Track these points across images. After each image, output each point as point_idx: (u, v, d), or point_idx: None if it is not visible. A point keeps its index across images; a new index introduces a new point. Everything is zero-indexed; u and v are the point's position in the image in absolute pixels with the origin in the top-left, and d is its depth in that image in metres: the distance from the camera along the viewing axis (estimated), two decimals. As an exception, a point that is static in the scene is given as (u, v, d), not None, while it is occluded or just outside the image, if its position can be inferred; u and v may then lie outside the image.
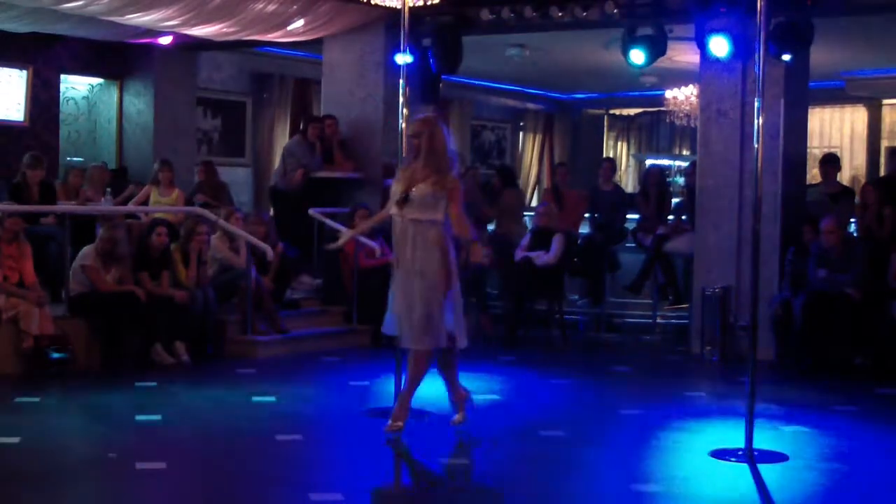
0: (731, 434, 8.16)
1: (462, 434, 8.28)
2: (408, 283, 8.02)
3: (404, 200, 7.96)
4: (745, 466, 7.59)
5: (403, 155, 9.00)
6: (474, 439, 8.25)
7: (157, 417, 8.88)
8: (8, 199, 12.34)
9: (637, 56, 12.58)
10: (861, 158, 21.52)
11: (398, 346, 8.45)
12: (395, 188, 8.10)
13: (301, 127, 15.56)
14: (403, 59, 9.41)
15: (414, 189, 7.93)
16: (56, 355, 10.54)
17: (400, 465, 7.82)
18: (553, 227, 13.41)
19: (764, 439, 7.97)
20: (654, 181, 14.75)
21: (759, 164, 8.02)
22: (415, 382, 8.18)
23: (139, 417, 8.81)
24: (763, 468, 7.53)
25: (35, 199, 12.50)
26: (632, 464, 7.80)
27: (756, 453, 7.71)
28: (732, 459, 7.70)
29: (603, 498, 7.01)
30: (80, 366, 10.78)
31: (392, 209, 8.12)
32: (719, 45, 12.04)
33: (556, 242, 13.16)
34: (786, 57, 11.51)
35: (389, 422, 8.10)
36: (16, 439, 8.01)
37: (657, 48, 12.55)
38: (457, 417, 8.39)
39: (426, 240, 7.96)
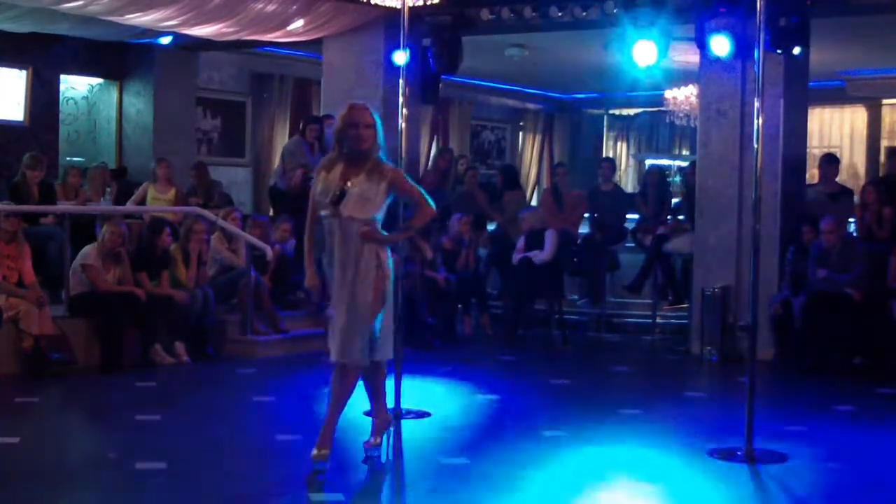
0: (730, 434, 8.16)
1: (372, 459, 7.49)
2: (342, 290, 7.08)
3: (341, 197, 7.07)
4: (744, 466, 7.60)
5: (402, 150, 8.98)
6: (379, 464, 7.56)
7: (157, 417, 8.88)
8: (7, 198, 12.34)
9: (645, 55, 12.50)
10: (861, 158, 21.53)
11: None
12: (325, 185, 7.16)
13: (300, 127, 15.56)
14: (401, 58, 9.41)
15: (350, 183, 7.09)
16: (56, 355, 10.54)
17: (398, 465, 7.82)
18: (544, 226, 13.43)
19: (764, 439, 7.97)
20: (654, 181, 14.75)
21: (759, 164, 8.02)
22: (340, 403, 7.19)
23: (139, 417, 8.81)
24: (763, 468, 7.54)
25: (35, 198, 12.50)
26: (631, 463, 7.80)
27: (756, 453, 7.71)
28: (732, 459, 7.70)
29: (603, 497, 7.01)
30: (80, 366, 10.78)
31: (323, 210, 7.17)
32: (721, 45, 12.03)
33: (549, 238, 13.18)
34: (796, 50, 11.47)
35: (315, 450, 7.08)
36: (15, 439, 8.01)
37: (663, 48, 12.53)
38: (373, 440, 7.49)
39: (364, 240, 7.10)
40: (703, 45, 12.25)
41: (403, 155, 9.28)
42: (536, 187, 23.75)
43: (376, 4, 12.43)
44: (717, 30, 12.05)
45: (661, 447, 8.37)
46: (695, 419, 9.38)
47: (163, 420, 8.82)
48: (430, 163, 17.27)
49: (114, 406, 9.51)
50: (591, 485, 7.23)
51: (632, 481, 7.18)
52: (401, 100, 9.27)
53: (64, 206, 12.55)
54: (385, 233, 7.26)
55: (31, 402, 9.50)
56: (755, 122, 8.04)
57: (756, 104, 8.03)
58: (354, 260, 7.06)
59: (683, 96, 19.63)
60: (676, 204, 14.82)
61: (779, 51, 11.34)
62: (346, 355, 7.06)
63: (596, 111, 25.06)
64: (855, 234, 12.47)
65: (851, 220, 12.77)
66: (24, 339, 10.54)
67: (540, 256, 13.10)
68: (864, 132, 21.52)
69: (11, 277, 10.77)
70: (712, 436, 8.44)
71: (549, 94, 23.72)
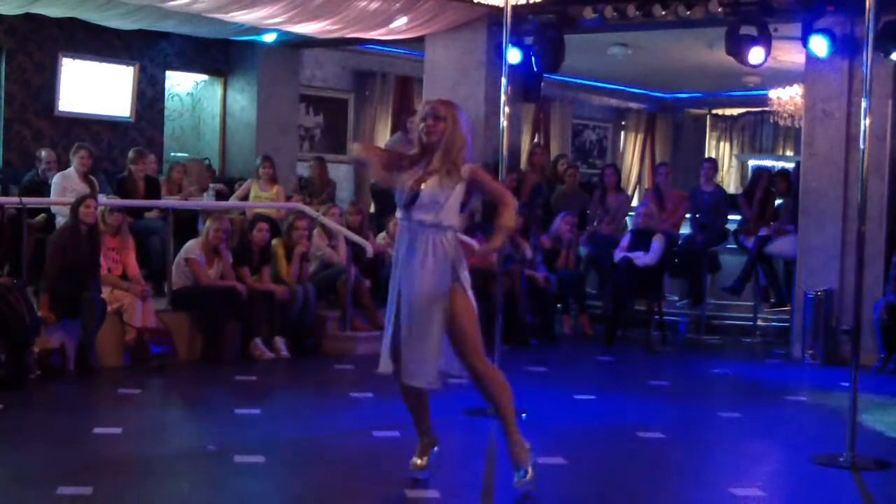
0: (832, 440, 8.03)
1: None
2: (419, 306, 6.52)
3: (412, 201, 6.51)
4: (846, 473, 7.47)
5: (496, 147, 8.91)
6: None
7: (257, 411, 8.95)
8: (113, 193, 12.53)
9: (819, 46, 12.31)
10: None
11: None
12: (401, 186, 6.61)
13: (402, 124, 15.61)
14: (514, 56, 9.35)
15: (424, 186, 6.48)
16: (158, 348, 10.69)
17: (493, 463, 7.81)
18: (653, 228, 13.31)
19: (867, 445, 7.84)
20: (763, 183, 14.48)
21: (866, 166, 7.88)
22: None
23: (238, 411, 8.88)
24: (865, 475, 7.41)
25: (140, 193, 12.69)
26: (730, 467, 7.72)
27: (858, 460, 7.58)
28: (834, 466, 7.58)
29: (701, 500, 6.95)
30: (181, 359, 10.93)
31: (398, 211, 6.69)
32: (818, 45, 11.90)
33: (656, 243, 13.06)
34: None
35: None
36: (118, 430, 8.13)
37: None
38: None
39: (439, 249, 6.50)
40: (808, 45, 12.10)
41: (504, 153, 9.27)
42: (638, 187, 23.61)
43: (479, 3, 12.44)
44: (823, 29, 11.90)
45: (762, 452, 8.28)
46: (796, 424, 9.26)
47: (262, 414, 8.89)
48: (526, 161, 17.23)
49: (214, 399, 9.63)
50: (688, 487, 7.17)
51: (731, 486, 7.09)
52: (503, 98, 9.25)
53: (168, 201, 12.71)
54: (473, 240, 6.66)
55: (133, 393, 9.63)
56: (862, 122, 7.90)
57: (863, 104, 7.90)
58: (427, 269, 6.49)
59: (788, 96, 19.40)
60: (780, 205, 14.63)
61: (883, 54, 11.18)
62: (421, 379, 6.76)
63: (699, 111, 24.86)
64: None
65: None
66: (127, 331, 10.71)
67: (643, 259, 12.97)
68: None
69: (116, 270, 10.94)
70: (814, 441, 8.33)
71: (652, 93, 23.56)
